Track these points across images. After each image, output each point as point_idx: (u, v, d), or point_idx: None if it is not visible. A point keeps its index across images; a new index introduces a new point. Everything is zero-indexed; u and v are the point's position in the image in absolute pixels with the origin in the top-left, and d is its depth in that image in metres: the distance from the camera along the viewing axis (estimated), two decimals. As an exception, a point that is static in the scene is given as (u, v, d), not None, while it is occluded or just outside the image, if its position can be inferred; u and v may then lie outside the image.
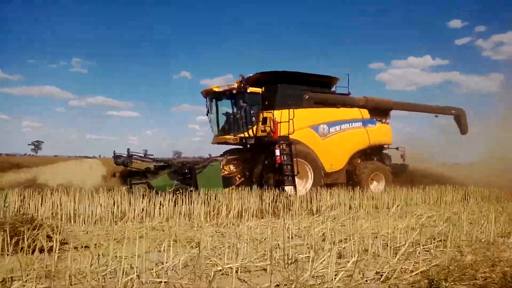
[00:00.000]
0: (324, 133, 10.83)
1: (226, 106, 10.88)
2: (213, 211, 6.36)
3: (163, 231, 4.97)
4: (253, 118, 10.39)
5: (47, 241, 3.65)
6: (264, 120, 10.27)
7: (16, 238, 3.58)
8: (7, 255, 3.27)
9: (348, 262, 3.19)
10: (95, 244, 4.01)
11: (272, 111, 10.09)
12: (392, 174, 12.03)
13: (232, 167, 10.38)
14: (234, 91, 10.13)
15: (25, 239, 3.55)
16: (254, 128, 10.35)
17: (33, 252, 3.33)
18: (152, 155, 9.57)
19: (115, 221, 5.62)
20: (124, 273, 2.85)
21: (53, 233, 3.78)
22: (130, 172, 9.70)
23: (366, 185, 11.21)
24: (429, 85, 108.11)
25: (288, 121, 9.68)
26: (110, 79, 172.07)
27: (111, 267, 3.01)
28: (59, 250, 3.33)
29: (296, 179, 9.45)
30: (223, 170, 9.87)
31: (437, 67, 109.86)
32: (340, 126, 11.20)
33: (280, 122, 9.81)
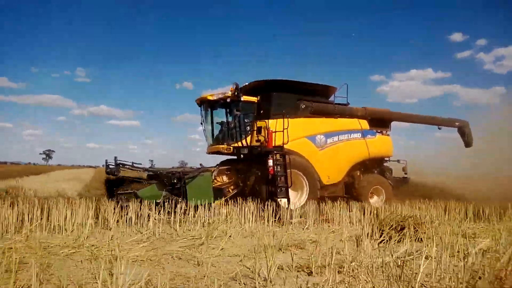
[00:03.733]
0: (321, 143, 10.42)
1: (221, 115, 10.59)
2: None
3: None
4: (248, 127, 10.05)
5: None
6: (259, 130, 9.91)
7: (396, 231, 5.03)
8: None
9: None
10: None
11: (266, 120, 9.76)
12: (393, 187, 11.58)
13: (224, 177, 10.02)
14: (228, 100, 9.81)
15: (408, 232, 4.84)
16: (248, 137, 10.00)
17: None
18: (141, 164, 9.21)
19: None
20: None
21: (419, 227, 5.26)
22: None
23: (366, 199, 10.76)
24: (431, 98, 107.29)
25: (283, 131, 9.33)
26: (113, 88, 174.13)
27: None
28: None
29: (291, 191, 9.04)
30: (215, 181, 9.52)
31: (439, 79, 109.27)
32: (338, 137, 10.78)
33: (275, 132, 9.44)
